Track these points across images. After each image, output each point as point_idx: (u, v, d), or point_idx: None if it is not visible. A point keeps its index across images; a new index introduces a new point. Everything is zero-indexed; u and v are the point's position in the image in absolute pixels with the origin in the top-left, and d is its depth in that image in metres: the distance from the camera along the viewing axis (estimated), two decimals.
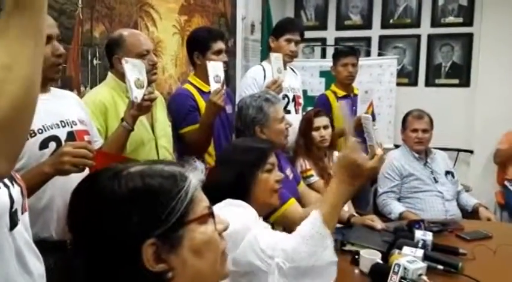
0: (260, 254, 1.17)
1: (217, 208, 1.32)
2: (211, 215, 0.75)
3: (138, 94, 1.63)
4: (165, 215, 0.68)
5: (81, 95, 2.28)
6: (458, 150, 4.21)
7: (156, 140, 1.97)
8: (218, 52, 2.25)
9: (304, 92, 4.28)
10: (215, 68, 1.99)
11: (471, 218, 2.57)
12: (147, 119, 1.96)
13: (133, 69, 1.65)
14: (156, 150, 1.97)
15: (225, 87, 2.04)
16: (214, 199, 1.33)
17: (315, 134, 2.44)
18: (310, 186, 2.34)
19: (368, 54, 4.49)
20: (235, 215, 1.27)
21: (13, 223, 0.93)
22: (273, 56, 2.36)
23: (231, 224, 1.21)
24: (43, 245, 1.37)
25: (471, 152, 4.22)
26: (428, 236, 1.74)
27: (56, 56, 1.38)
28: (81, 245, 0.72)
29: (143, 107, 1.65)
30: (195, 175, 0.74)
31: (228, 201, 1.35)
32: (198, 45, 2.26)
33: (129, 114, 1.66)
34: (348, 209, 2.45)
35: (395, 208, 2.52)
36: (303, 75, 4.29)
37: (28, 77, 0.61)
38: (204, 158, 2.23)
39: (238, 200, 1.35)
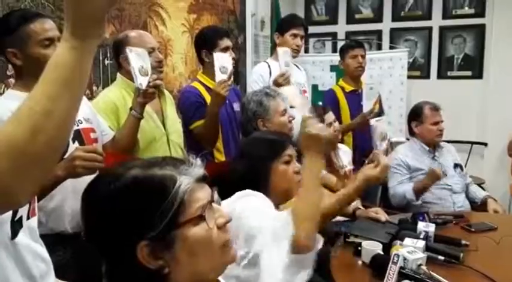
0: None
1: (232, 201, 1.38)
2: (202, 217, 0.75)
3: (142, 81, 1.69)
4: (154, 220, 0.72)
5: (93, 94, 2.36)
6: (472, 142, 4.17)
7: (167, 136, 2.03)
8: (225, 49, 2.29)
9: (315, 86, 4.32)
10: (222, 59, 2.04)
11: (480, 210, 2.57)
12: (158, 116, 2.03)
13: (137, 57, 1.71)
14: (168, 146, 2.03)
15: (232, 81, 2.07)
16: (231, 190, 1.40)
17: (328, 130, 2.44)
18: None
19: (379, 47, 4.48)
20: (240, 205, 1.33)
21: (14, 232, 0.97)
22: (281, 50, 2.40)
23: (235, 215, 1.28)
24: (59, 237, 1.45)
25: (485, 144, 4.18)
26: (431, 228, 1.77)
27: None
28: (91, 239, 0.78)
29: (148, 94, 1.71)
30: (189, 175, 0.76)
31: (239, 194, 1.40)
32: (205, 43, 2.31)
33: (137, 102, 1.72)
34: (354, 202, 2.47)
35: (407, 189, 2.52)
36: (313, 70, 4.34)
37: (66, 121, 0.65)
38: (213, 153, 2.29)
39: (252, 190, 1.41)
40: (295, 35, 2.64)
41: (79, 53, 0.64)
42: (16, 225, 0.98)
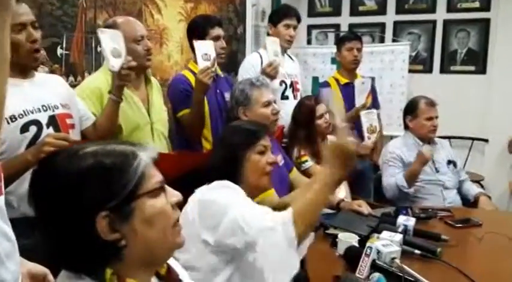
0: (238, 232, 1.24)
1: (205, 189, 1.40)
2: (161, 189, 0.81)
3: (115, 63, 1.68)
4: (116, 189, 0.75)
5: None
6: (473, 138, 4.12)
7: (151, 124, 2.04)
8: (216, 38, 2.29)
9: (315, 78, 4.29)
10: (203, 46, 2.03)
11: (473, 206, 2.54)
12: (143, 104, 2.03)
13: (109, 39, 1.69)
14: (151, 134, 2.04)
15: (216, 68, 2.06)
16: (208, 180, 1.41)
17: (319, 121, 2.43)
18: (305, 171, 2.36)
19: (382, 40, 4.42)
20: (219, 196, 1.34)
21: None
22: (269, 39, 2.39)
23: (214, 205, 1.30)
24: (30, 221, 1.47)
25: (486, 140, 4.12)
26: (411, 222, 1.75)
27: (31, 42, 1.44)
28: (43, 220, 0.79)
29: (122, 76, 1.70)
30: (146, 153, 0.81)
31: (216, 183, 1.41)
32: (196, 32, 2.31)
33: (114, 85, 1.72)
34: (344, 194, 2.47)
35: (398, 177, 2.51)
36: (314, 62, 4.31)
37: None
38: (201, 142, 2.30)
39: (228, 180, 1.41)
40: (288, 26, 2.62)
41: None
42: None
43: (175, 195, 0.84)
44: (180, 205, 0.87)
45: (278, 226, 1.18)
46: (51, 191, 0.76)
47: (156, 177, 0.81)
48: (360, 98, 2.60)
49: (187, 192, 1.45)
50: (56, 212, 0.76)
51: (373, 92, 3.08)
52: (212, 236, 1.30)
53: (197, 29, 2.31)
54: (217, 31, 2.30)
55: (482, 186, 3.83)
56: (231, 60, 3.64)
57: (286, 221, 1.19)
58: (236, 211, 1.26)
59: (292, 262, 1.18)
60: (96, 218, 0.73)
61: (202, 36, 2.28)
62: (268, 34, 2.71)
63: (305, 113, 2.44)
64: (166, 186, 0.84)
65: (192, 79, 2.27)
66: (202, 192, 1.40)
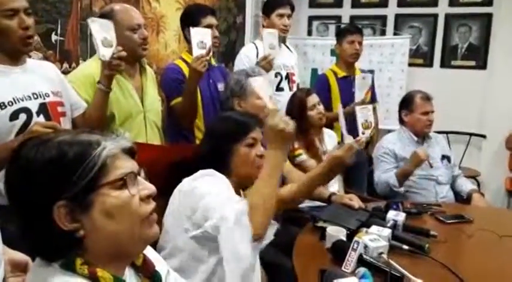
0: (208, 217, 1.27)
1: (189, 179, 1.40)
2: (124, 181, 0.78)
3: (105, 52, 1.66)
4: (74, 180, 0.74)
5: None
6: (471, 134, 4.11)
7: (144, 113, 2.03)
8: (208, 27, 2.26)
9: (315, 70, 4.27)
10: (199, 34, 2.00)
11: (466, 203, 2.53)
12: (136, 93, 2.02)
13: (100, 28, 1.67)
14: (144, 123, 2.04)
15: (210, 57, 2.04)
16: (196, 169, 1.41)
17: (311, 113, 2.42)
18: (298, 165, 2.35)
19: (383, 33, 4.39)
20: (199, 185, 1.35)
21: None
22: (266, 31, 2.35)
23: (193, 194, 1.30)
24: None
25: (484, 136, 4.11)
26: (400, 217, 1.75)
27: (23, 29, 1.42)
28: (12, 206, 0.79)
29: (112, 66, 1.68)
30: (115, 143, 0.79)
31: (199, 173, 1.41)
32: (188, 21, 2.29)
33: (103, 74, 1.71)
34: (337, 188, 2.46)
35: (390, 175, 2.50)
36: (314, 53, 4.28)
37: None
38: (194, 132, 2.29)
39: (213, 169, 1.42)
40: (281, 15, 2.59)
41: None
42: None
43: (147, 188, 0.82)
44: None
45: (232, 216, 1.21)
46: (15, 178, 0.77)
47: (123, 168, 0.78)
48: (360, 94, 2.57)
49: (176, 183, 1.46)
50: (18, 199, 0.77)
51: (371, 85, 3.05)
52: (190, 223, 1.32)
53: (189, 18, 2.29)
54: (210, 20, 2.28)
55: (478, 182, 3.84)
56: (229, 50, 3.62)
57: (242, 211, 1.22)
58: (210, 198, 1.29)
59: (244, 253, 1.19)
60: (53, 206, 0.73)
61: (194, 25, 2.25)
62: (263, 26, 2.67)
63: (296, 105, 2.44)
64: (140, 179, 0.82)
65: (184, 68, 2.25)
66: (185, 183, 1.41)
